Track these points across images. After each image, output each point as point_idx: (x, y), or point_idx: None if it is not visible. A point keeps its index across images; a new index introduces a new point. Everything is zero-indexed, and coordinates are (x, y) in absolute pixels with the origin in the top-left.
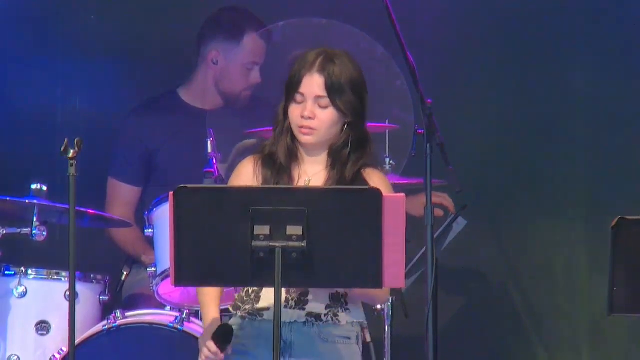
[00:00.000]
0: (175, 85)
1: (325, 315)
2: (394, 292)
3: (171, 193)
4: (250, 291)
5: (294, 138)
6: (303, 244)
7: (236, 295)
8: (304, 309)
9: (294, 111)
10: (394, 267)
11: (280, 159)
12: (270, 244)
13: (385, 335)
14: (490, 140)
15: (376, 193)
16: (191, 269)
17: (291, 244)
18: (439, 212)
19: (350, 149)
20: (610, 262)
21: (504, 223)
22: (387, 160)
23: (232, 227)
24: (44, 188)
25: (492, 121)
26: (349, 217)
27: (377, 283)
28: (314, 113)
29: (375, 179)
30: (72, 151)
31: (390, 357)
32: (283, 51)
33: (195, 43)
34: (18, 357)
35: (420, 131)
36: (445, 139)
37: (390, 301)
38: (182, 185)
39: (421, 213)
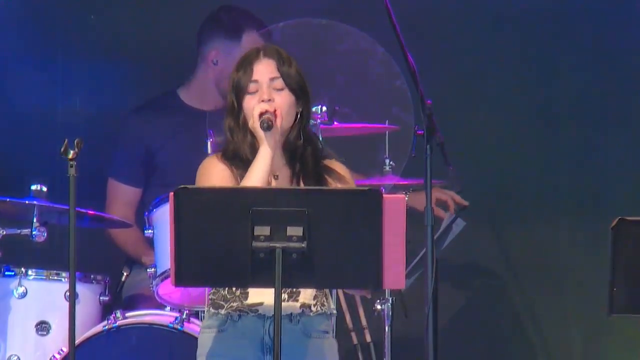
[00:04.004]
0: (175, 85)
1: (314, 305)
2: (394, 292)
3: (171, 193)
4: (234, 288)
5: (253, 135)
6: (303, 245)
7: (212, 295)
8: (297, 300)
9: (250, 102)
10: (394, 268)
11: (248, 157)
12: (271, 244)
13: (385, 335)
14: (490, 140)
15: (376, 194)
16: (191, 270)
17: (291, 244)
18: (439, 212)
19: (303, 141)
20: (610, 263)
21: (504, 223)
22: (387, 161)
23: (232, 227)
24: (44, 189)
25: (492, 121)
26: (349, 218)
27: (377, 284)
28: (271, 95)
29: (337, 167)
30: (72, 152)
31: (390, 357)
32: None
33: (195, 43)
34: (18, 358)
35: (420, 132)
36: (445, 139)
37: (390, 301)
38: (182, 186)
39: None
